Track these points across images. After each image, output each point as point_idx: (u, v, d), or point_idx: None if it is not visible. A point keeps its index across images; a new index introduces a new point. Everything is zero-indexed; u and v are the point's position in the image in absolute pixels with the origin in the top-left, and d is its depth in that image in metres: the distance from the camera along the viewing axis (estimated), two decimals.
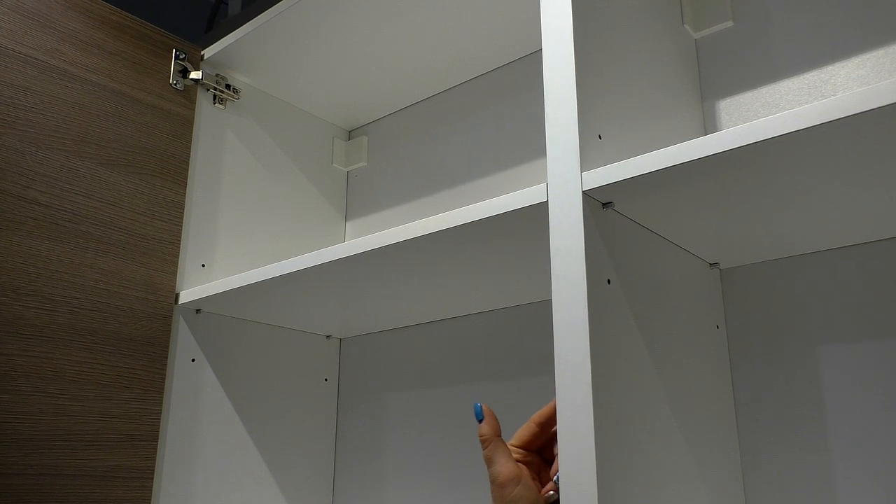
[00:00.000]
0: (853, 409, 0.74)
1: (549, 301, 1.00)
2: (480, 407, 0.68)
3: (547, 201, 0.66)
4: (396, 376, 1.15)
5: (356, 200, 1.31)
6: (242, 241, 1.13)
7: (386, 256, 0.82)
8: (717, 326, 0.82)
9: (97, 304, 0.94)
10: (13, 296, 0.87)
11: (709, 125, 0.90)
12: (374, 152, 1.30)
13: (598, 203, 0.66)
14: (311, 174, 1.26)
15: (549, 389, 0.97)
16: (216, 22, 1.91)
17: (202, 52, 1.13)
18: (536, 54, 1.11)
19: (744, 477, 0.79)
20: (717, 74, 0.91)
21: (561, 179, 0.65)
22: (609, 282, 0.64)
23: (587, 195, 0.64)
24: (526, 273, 0.88)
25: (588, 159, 0.65)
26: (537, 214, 0.70)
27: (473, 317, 1.08)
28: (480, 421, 0.67)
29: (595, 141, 0.67)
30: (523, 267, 0.86)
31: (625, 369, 0.63)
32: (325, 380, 1.21)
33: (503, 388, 1.02)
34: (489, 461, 0.64)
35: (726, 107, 0.89)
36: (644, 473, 0.63)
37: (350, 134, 1.36)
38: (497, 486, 0.62)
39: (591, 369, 0.59)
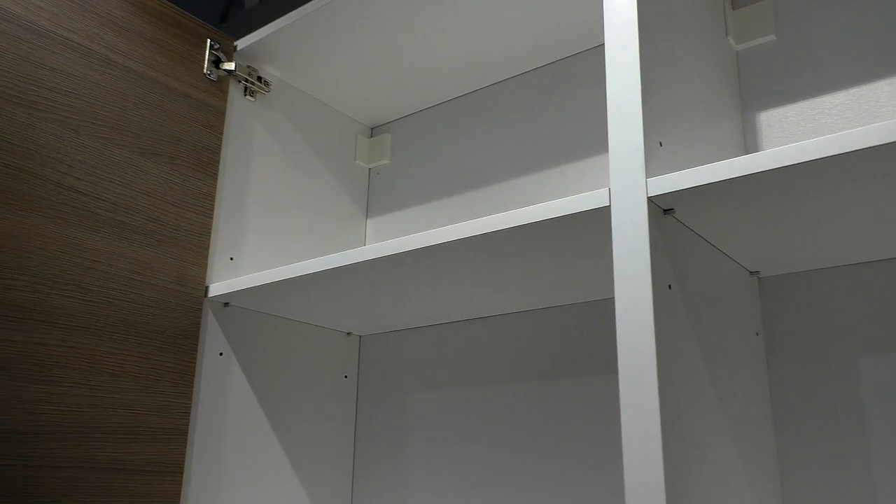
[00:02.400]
0: (888, 419, 0.75)
1: (581, 304, 1.01)
2: None
3: (609, 206, 0.67)
4: (417, 375, 1.16)
5: (378, 198, 1.31)
6: (268, 235, 1.12)
7: (413, 260, 0.83)
8: (757, 334, 0.83)
9: (131, 294, 0.93)
10: (51, 284, 0.86)
11: (748, 138, 0.91)
12: (398, 150, 1.31)
13: (660, 209, 0.66)
14: (335, 170, 1.26)
15: (576, 391, 0.98)
16: (230, 12, 1.90)
17: (235, 44, 1.13)
18: (566, 60, 1.12)
19: (781, 480, 0.80)
20: (757, 87, 0.92)
21: (625, 185, 0.66)
22: (670, 287, 0.65)
23: (651, 201, 0.65)
24: (560, 276, 0.89)
25: (651, 166, 0.66)
26: (594, 218, 0.70)
27: (501, 317, 1.09)
28: None
29: (657, 148, 0.68)
30: (558, 269, 0.87)
31: (684, 373, 0.64)
32: (345, 377, 1.20)
33: (527, 389, 1.03)
34: None
35: (766, 119, 0.90)
36: (703, 473, 0.64)
37: (373, 131, 1.36)
38: None
39: (658, 372, 0.60)
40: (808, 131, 0.88)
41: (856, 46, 0.86)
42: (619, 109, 0.68)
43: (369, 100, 1.26)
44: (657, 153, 0.67)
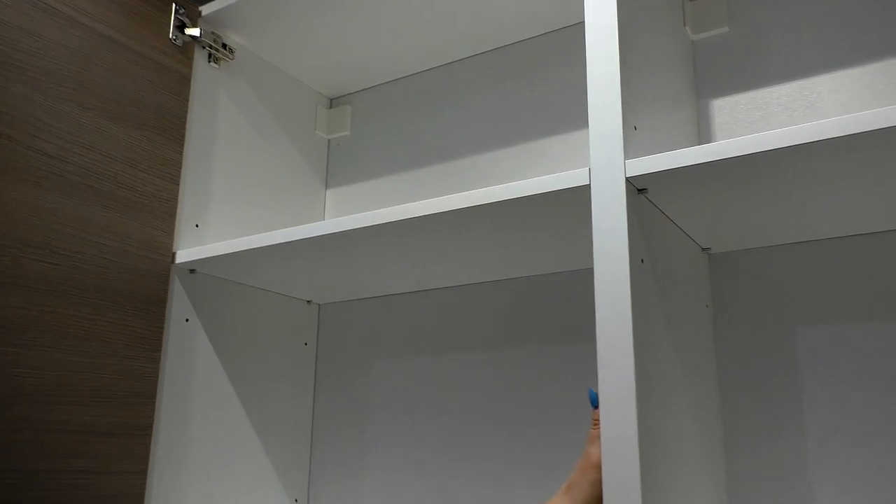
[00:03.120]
0: (827, 386, 0.84)
1: (543, 275, 1.06)
2: (595, 394, 0.72)
3: (589, 184, 0.72)
4: (375, 343, 1.19)
5: (337, 169, 1.32)
6: (232, 202, 1.13)
7: (378, 234, 0.86)
8: (707, 306, 0.90)
9: (101, 260, 0.93)
10: (20, 247, 0.85)
11: (702, 124, 0.98)
12: (358, 122, 1.32)
13: (635, 189, 0.72)
14: (295, 140, 1.27)
15: (535, 360, 1.04)
16: None
17: (200, 9, 1.12)
18: (530, 40, 1.16)
19: (724, 435, 0.88)
20: (711, 76, 0.99)
21: (605, 165, 0.71)
22: (643, 261, 0.71)
23: (629, 181, 0.70)
24: (526, 248, 0.94)
25: (628, 148, 0.71)
26: (574, 196, 0.75)
27: (466, 287, 1.13)
28: (596, 407, 0.71)
29: (633, 132, 0.73)
30: (534, 242, 0.91)
31: (652, 339, 0.70)
32: (305, 344, 1.23)
33: (488, 358, 1.08)
34: (593, 440, 0.69)
35: (718, 106, 0.97)
36: (668, 429, 0.70)
37: (332, 102, 1.37)
38: (590, 465, 0.68)
39: (633, 339, 0.66)
40: (755, 119, 0.95)
41: (801, 41, 0.94)
42: (599, 94, 0.72)
43: (331, 70, 1.27)
44: (633, 136, 0.73)
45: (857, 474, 0.81)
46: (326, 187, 1.32)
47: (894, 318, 0.82)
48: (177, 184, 1.04)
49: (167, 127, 1.04)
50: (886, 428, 0.80)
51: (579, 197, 0.75)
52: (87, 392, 0.89)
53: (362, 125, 1.32)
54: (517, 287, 1.08)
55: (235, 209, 1.13)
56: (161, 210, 1.01)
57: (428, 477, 1.09)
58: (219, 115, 1.13)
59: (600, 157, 0.71)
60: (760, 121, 0.95)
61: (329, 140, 1.35)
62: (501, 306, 1.09)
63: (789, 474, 0.84)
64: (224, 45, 1.14)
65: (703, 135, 0.97)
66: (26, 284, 0.85)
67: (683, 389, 0.77)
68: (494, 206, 0.78)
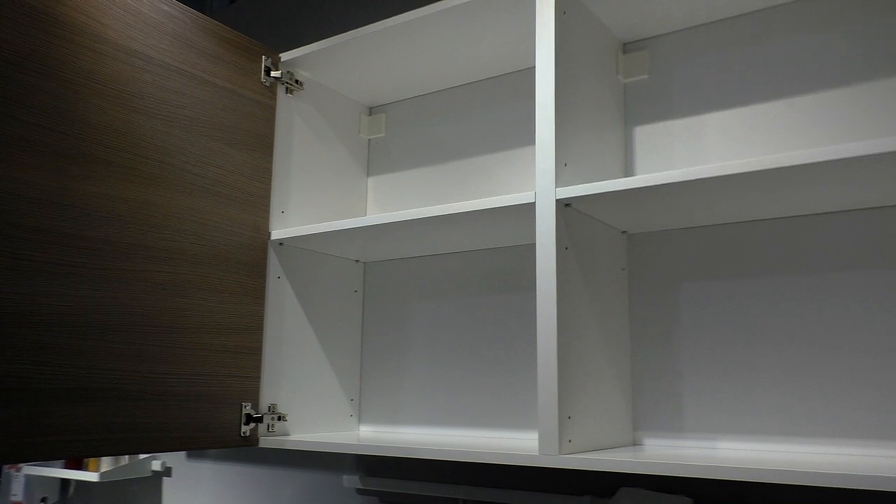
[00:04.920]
0: (699, 319, 1.31)
1: (509, 247, 1.53)
2: None
3: (534, 202, 1.18)
4: (406, 291, 1.68)
5: (375, 163, 1.79)
6: (304, 192, 1.60)
7: (402, 227, 1.33)
8: (623, 269, 1.37)
9: (227, 240, 1.42)
10: (177, 234, 1.33)
11: (627, 149, 1.43)
12: (391, 126, 1.78)
13: (563, 204, 1.18)
14: (345, 141, 1.73)
15: (520, 303, 1.52)
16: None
17: (280, 56, 1.57)
18: (518, 72, 1.60)
19: (632, 366, 1.36)
20: (636, 111, 1.43)
21: (544, 190, 1.17)
22: (567, 248, 1.18)
23: (558, 201, 1.16)
24: (499, 232, 1.40)
25: (559, 180, 1.17)
26: (525, 208, 1.22)
27: (465, 253, 1.61)
28: None
29: (563, 167, 1.19)
30: (503, 229, 1.38)
31: (573, 293, 1.18)
32: (355, 291, 1.72)
33: (488, 301, 1.56)
34: None
35: (640, 135, 1.42)
36: (580, 353, 1.18)
37: (371, 110, 1.82)
38: None
39: (557, 295, 1.13)
40: (666, 144, 1.39)
41: (700, 87, 1.37)
42: (541, 143, 1.18)
43: (369, 88, 1.72)
44: (563, 171, 1.19)
45: (719, 380, 1.28)
46: (368, 175, 1.79)
47: (740, 277, 1.28)
48: (269, 184, 1.52)
49: (262, 145, 1.51)
50: (735, 345, 1.27)
51: (529, 208, 1.22)
52: (223, 325, 1.39)
53: (394, 128, 1.77)
54: (494, 254, 1.55)
55: (307, 197, 1.61)
56: (261, 204, 1.49)
57: (446, 381, 1.59)
58: (294, 131, 1.59)
59: (541, 185, 1.17)
60: (669, 146, 1.39)
61: (369, 140, 1.81)
62: (486, 267, 1.56)
63: (672, 376, 1.32)
64: (296, 80, 1.60)
65: (628, 157, 1.42)
66: (183, 258, 1.34)
67: (598, 321, 1.25)
68: (480, 212, 1.25)
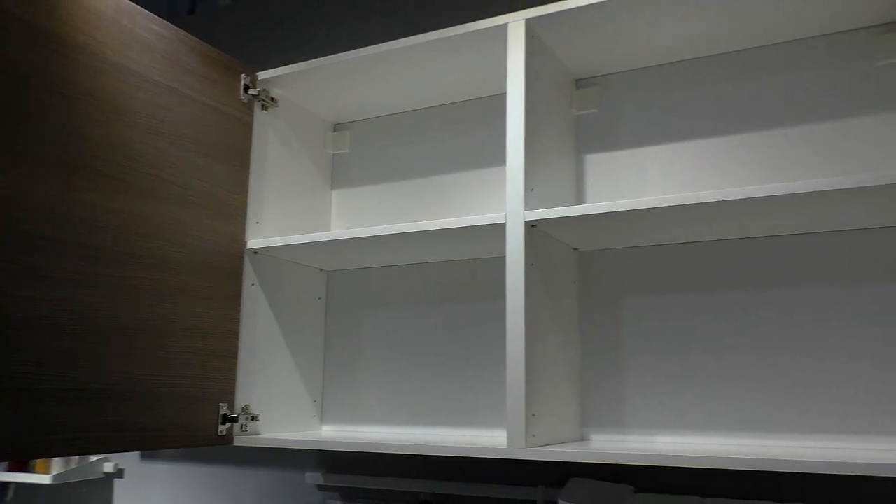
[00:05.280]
0: (646, 337, 1.48)
1: (496, 259, 1.67)
2: None
3: (505, 223, 1.32)
4: (365, 298, 1.79)
5: (339, 177, 1.89)
6: (277, 203, 1.69)
7: (381, 241, 1.45)
8: (574, 283, 1.53)
9: (209, 249, 1.49)
10: (166, 244, 1.41)
11: (579, 176, 1.59)
12: (355, 143, 1.89)
13: (530, 225, 1.33)
14: (313, 156, 1.83)
15: (476, 312, 1.65)
16: (197, 5, 2.33)
17: (257, 74, 1.66)
18: (481, 98, 1.74)
19: (581, 369, 1.52)
20: (587, 141, 1.60)
21: (513, 212, 1.31)
22: (532, 264, 1.32)
23: (526, 222, 1.31)
24: (472, 247, 1.54)
25: (527, 203, 1.32)
26: (497, 228, 1.35)
27: (428, 264, 1.73)
28: None
29: (530, 192, 1.33)
30: (475, 246, 1.52)
31: (537, 304, 1.32)
32: (319, 298, 1.82)
33: (445, 309, 1.69)
34: None
35: (590, 163, 1.58)
36: (542, 357, 1.33)
37: (335, 127, 1.92)
38: None
39: (525, 306, 1.27)
40: (613, 172, 1.56)
41: (641, 123, 1.55)
42: (511, 170, 1.32)
43: (335, 106, 1.82)
44: (530, 195, 1.33)
45: (657, 382, 1.46)
46: (332, 189, 1.90)
47: (673, 293, 1.46)
48: (246, 196, 1.60)
49: (240, 159, 1.59)
50: (670, 352, 1.45)
51: (499, 228, 1.36)
52: (203, 330, 1.47)
53: (358, 145, 1.88)
54: (453, 266, 1.69)
55: (278, 208, 1.70)
56: (238, 215, 1.58)
57: (403, 382, 1.71)
58: (268, 145, 1.68)
59: (511, 207, 1.32)
60: (615, 175, 1.56)
61: (333, 155, 1.91)
62: (450, 280, 1.70)
63: (616, 378, 1.49)
64: (272, 98, 1.69)
65: (580, 183, 1.59)
66: (169, 266, 1.41)
67: (556, 329, 1.40)
68: (453, 230, 1.38)
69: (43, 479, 1.99)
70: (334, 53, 2.03)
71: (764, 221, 1.30)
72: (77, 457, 2.04)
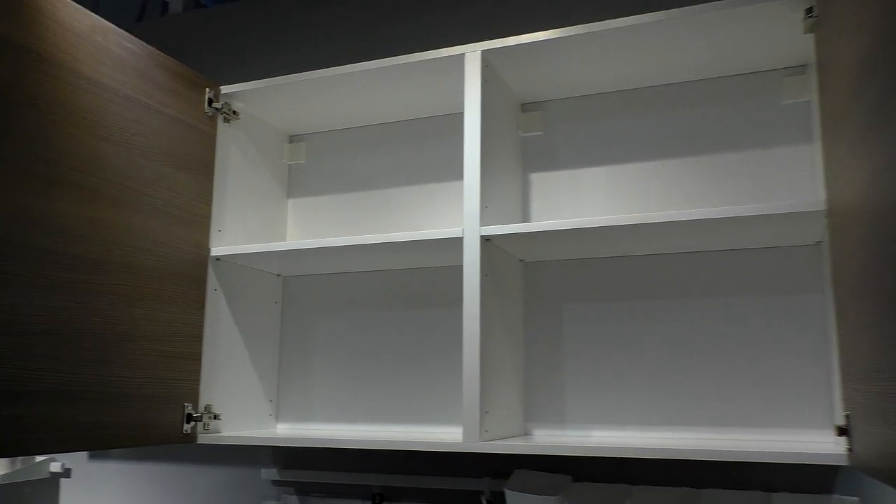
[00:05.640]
0: (583, 342, 1.63)
1: (444, 268, 1.79)
2: None
3: (462, 237, 1.45)
4: (319, 302, 1.88)
5: (295, 186, 1.98)
6: (238, 212, 1.77)
7: (322, 253, 1.55)
8: (521, 291, 1.67)
9: (176, 256, 1.56)
10: (135, 251, 1.47)
11: (524, 193, 1.73)
12: (311, 154, 1.98)
13: (485, 239, 1.46)
14: (270, 166, 1.91)
15: (435, 319, 1.77)
16: (146, 12, 2.36)
17: (220, 88, 1.73)
18: (437, 116, 1.86)
19: (525, 370, 1.66)
20: (532, 159, 1.74)
21: (471, 228, 1.44)
22: (487, 275, 1.45)
23: (482, 237, 1.44)
24: (432, 257, 1.66)
25: (482, 220, 1.44)
26: (455, 242, 1.48)
27: (379, 271, 1.84)
28: None
29: (485, 209, 1.46)
30: (435, 257, 1.64)
31: (490, 311, 1.45)
32: (276, 303, 1.90)
33: (396, 315, 1.80)
34: None
35: (534, 181, 1.73)
36: (493, 358, 1.46)
37: (291, 139, 2.01)
38: None
39: (480, 312, 1.40)
40: (554, 192, 1.71)
41: (577, 145, 1.70)
42: (469, 188, 1.45)
43: (293, 119, 1.90)
44: (485, 212, 1.46)
45: (593, 382, 1.61)
46: (288, 197, 1.98)
47: (606, 301, 1.62)
48: (210, 205, 1.67)
49: (205, 169, 1.66)
50: (605, 354, 1.61)
51: (457, 241, 1.48)
52: (171, 333, 1.54)
53: (314, 156, 1.97)
54: (416, 273, 1.80)
55: (239, 216, 1.77)
56: (203, 224, 1.64)
57: (354, 382, 1.81)
58: (230, 156, 1.75)
59: (468, 223, 1.44)
60: (556, 193, 1.71)
61: (289, 165, 1.99)
62: (403, 286, 1.81)
63: (556, 378, 1.64)
64: (233, 111, 1.76)
65: (525, 200, 1.73)
66: (140, 273, 1.47)
67: (505, 334, 1.53)
68: (415, 242, 1.50)
69: None
70: (288, 63, 2.11)
71: (679, 240, 1.47)
72: (21, 457, 2.06)
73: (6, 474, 2.02)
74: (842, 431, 1.18)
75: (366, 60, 2.02)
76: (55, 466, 2.12)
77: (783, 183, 1.55)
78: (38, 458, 2.09)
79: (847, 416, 1.17)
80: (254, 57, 2.17)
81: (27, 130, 1.26)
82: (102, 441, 1.38)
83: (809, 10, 1.31)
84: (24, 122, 1.26)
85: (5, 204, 1.22)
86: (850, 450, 1.15)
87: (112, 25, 1.45)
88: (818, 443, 1.37)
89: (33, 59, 1.28)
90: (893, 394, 0.86)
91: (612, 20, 1.43)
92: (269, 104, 1.80)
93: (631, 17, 1.42)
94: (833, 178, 1.18)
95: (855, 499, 1.40)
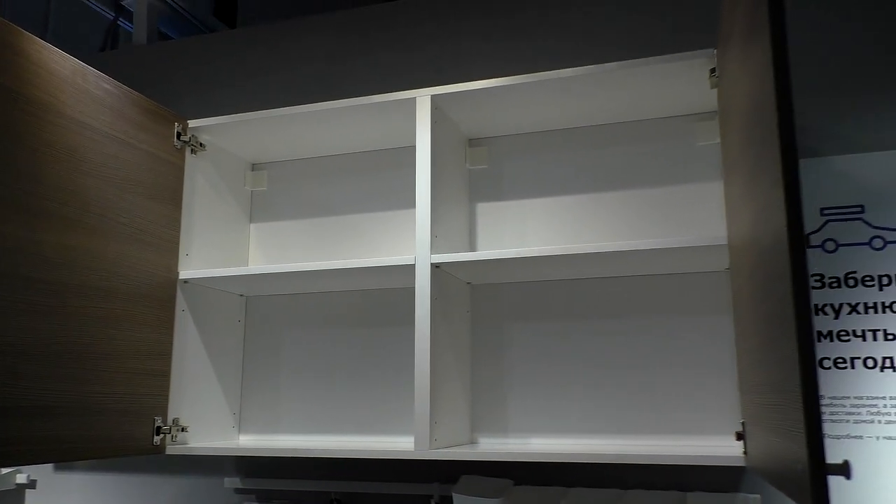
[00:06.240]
0: (524, 358, 1.80)
1: (398, 289, 1.94)
2: None
3: (414, 264, 1.60)
4: (281, 320, 2.01)
5: (257, 211, 2.11)
6: (204, 236, 1.89)
7: (285, 278, 1.69)
8: (468, 311, 1.84)
9: (148, 280, 1.68)
10: (112, 276, 1.59)
11: (471, 221, 1.90)
12: (272, 181, 2.11)
13: (435, 266, 1.61)
14: (234, 193, 2.04)
15: (388, 337, 1.92)
16: (108, 41, 2.46)
17: (187, 122, 1.85)
18: (394, 149, 2.01)
19: (471, 383, 1.83)
20: (478, 190, 1.91)
21: (422, 256, 1.59)
22: (437, 298, 1.61)
23: (432, 263, 1.60)
24: (388, 279, 1.80)
25: (432, 248, 1.60)
26: (407, 268, 1.63)
27: (340, 293, 1.98)
28: None
29: (435, 238, 1.62)
30: (389, 280, 1.79)
31: (439, 330, 1.61)
32: (238, 321, 2.03)
33: (353, 332, 1.95)
34: None
35: (480, 209, 1.89)
36: (442, 373, 1.62)
37: (254, 167, 2.14)
38: None
39: (430, 332, 1.56)
40: (499, 221, 1.88)
41: (520, 178, 1.87)
42: (420, 220, 1.60)
43: (254, 148, 2.04)
44: (435, 241, 1.62)
45: (533, 395, 1.78)
46: (250, 222, 2.11)
47: (545, 320, 1.79)
48: (178, 231, 1.79)
49: (173, 198, 1.78)
50: (543, 369, 1.78)
51: (410, 268, 1.64)
52: (142, 352, 1.65)
53: (275, 184, 2.11)
54: (369, 294, 1.95)
55: (204, 240, 1.89)
56: (171, 248, 1.77)
57: (313, 395, 1.95)
58: (196, 185, 1.88)
59: (419, 251, 1.60)
60: (501, 222, 1.88)
61: (252, 192, 2.12)
62: (359, 305, 1.96)
63: (499, 391, 1.80)
64: (200, 143, 1.89)
65: (471, 229, 1.89)
66: (116, 296, 1.59)
67: (452, 350, 1.69)
68: (371, 268, 1.65)
69: None
70: (251, 93, 2.24)
71: (607, 266, 1.65)
72: None
73: None
74: (739, 437, 1.37)
75: (324, 92, 2.16)
76: (21, 478, 2.19)
77: (700, 215, 1.75)
78: (4, 471, 2.17)
79: (743, 424, 1.36)
80: (216, 88, 2.29)
81: (17, 167, 1.38)
82: (80, 453, 1.49)
83: (713, 70, 1.51)
84: (14, 160, 1.37)
85: None
86: (745, 453, 1.34)
87: (91, 68, 1.57)
88: (723, 447, 1.56)
89: (22, 102, 1.40)
90: (771, 405, 1.04)
91: (548, 72, 1.61)
92: (234, 136, 1.93)
93: (565, 70, 1.60)
94: (731, 214, 1.38)
95: (757, 496, 1.59)
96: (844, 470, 0.77)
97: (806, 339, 0.77)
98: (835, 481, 1.56)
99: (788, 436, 0.88)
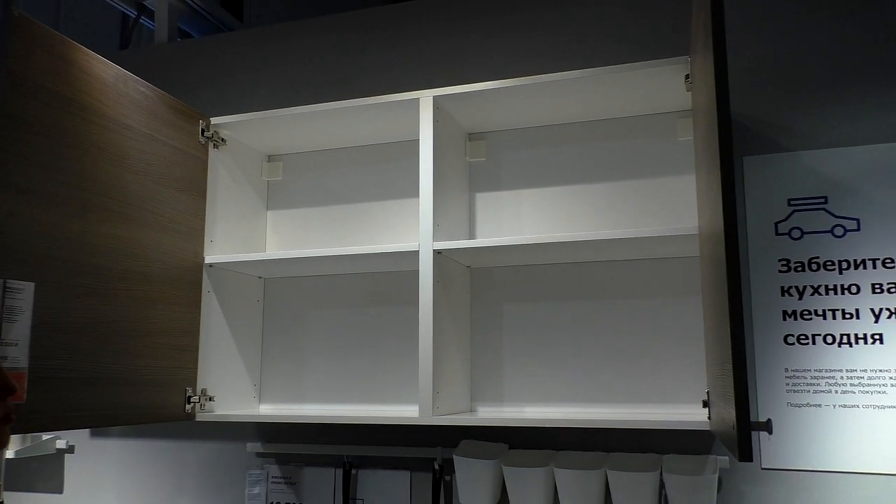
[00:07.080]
0: (518, 334, 1.99)
1: (403, 272, 2.12)
2: None
3: (418, 250, 1.78)
4: (299, 300, 2.20)
5: (273, 200, 2.29)
6: (226, 223, 2.07)
7: (299, 262, 1.87)
8: (467, 292, 2.02)
9: (179, 265, 1.86)
10: (151, 262, 1.77)
11: (471, 211, 2.07)
12: (287, 171, 2.29)
13: (437, 252, 1.79)
14: (252, 182, 2.22)
15: (395, 315, 2.10)
16: (131, 38, 2.63)
17: (211, 120, 2.03)
18: (398, 142, 2.18)
19: (471, 357, 2.01)
20: (478, 181, 2.08)
21: (425, 242, 1.77)
22: (438, 281, 1.79)
23: (434, 250, 1.78)
24: (394, 263, 1.98)
25: (434, 236, 1.78)
26: (411, 254, 1.81)
27: (353, 275, 2.17)
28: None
29: (437, 227, 1.80)
30: (395, 264, 1.97)
31: (441, 310, 1.79)
32: (258, 300, 2.21)
33: (365, 311, 2.13)
34: None
35: (480, 201, 2.07)
36: (444, 348, 1.80)
37: (269, 158, 2.31)
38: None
39: (433, 311, 1.74)
40: (497, 210, 2.05)
41: (516, 170, 2.05)
42: (423, 209, 1.78)
43: (270, 142, 2.21)
44: (437, 229, 1.80)
45: (527, 366, 1.97)
46: (267, 210, 2.29)
47: (539, 301, 1.97)
48: (203, 220, 1.98)
49: (199, 190, 1.96)
50: (537, 344, 1.96)
51: (414, 254, 1.82)
52: (175, 329, 1.84)
53: (290, 174, 2.28)
54: (379, 277, 2.13)
55: (226, 227, 2.08)
56: (198, 236, 1.95)
57: (326, 367, 2.14)
58: (218, 177, 2.05)
59: (422, 239, 1.78)
60: (498, 211, 2.05)
61: (268, 182, 2.30)
62: (367, 285, 2.14)
63: (496, 364, 1.99)
64: (221, 139, 2.06)
65: (471, 217, 2.07)
66: (153, 279, 1.78)
67: (453, 328, 1.88)
68: (378, 254, 1.83)
69: (7, 454, 2.27)
70: (269, 88, 2.41)
71: (595, 252, 1.83)
72: (31, 434, 2.34)
73: (20, 449, 2.30)
74: (705, 404, 1.56)
75: (334, 88, 2.33)
76: (60, 444, 2.40)
77: (682, 205, 1.92)
78: (45, 436, 2.38)
79: (707, 393, 1.54)
80: (232, 85, 2.46)
81: (70, 167, 1.56)
82: (122, 419, 1.69)
83: (688, 76, 1.68)
84: (65, 160, 1.55)
85: (53, 227, 1.51)
86: (709, 419, 1.52)
87: (130, 74, 1.74)
88: (694, 414, 1.75)
89: (76, 108, 1.57)
90: (722, 377, 1.23)
91: (542, 76, 1.78)
92: (252, 131, 2.10)
93: (558, 74, 1.76)
94: (699, 205, 1.55)
95: (725, 458, 1.78)
96: (767, 426, 0.96)
97: (735, 317, 0.95)
98: (798, 445, 1.75)
99: (728, 401, 1.06)
